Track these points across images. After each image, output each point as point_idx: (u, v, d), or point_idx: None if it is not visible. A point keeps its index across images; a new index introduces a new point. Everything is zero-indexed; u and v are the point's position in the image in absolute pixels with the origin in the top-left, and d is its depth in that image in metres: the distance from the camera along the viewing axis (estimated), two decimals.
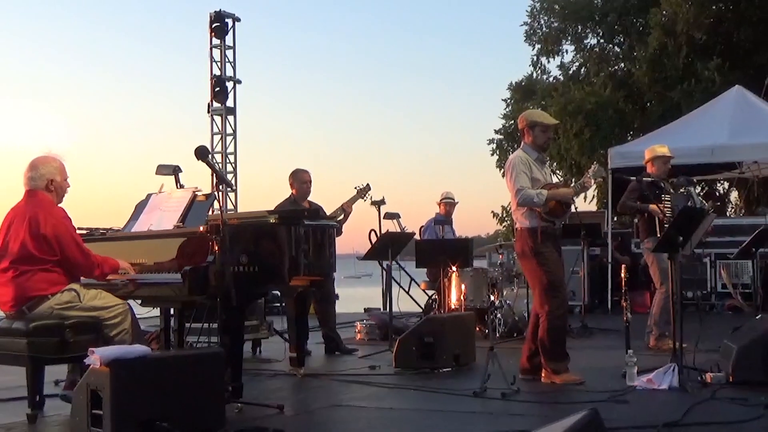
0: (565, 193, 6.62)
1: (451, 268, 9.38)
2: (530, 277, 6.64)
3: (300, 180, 8.73)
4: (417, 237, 10.70)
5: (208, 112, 14.99)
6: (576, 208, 7.06)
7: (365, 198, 9.28)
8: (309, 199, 8.78)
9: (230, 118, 15.09)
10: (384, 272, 9.58)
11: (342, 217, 8.93)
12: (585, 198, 21.61)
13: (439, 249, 9.63)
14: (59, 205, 5.61)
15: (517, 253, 6.71)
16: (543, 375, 6.38)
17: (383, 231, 9.60)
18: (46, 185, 5.54)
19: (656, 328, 8.11)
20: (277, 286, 6.78)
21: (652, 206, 8.07)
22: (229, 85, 14.95)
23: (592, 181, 6.87)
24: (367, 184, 9.23)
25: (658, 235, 7.97)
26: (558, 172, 21.14)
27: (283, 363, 7.44)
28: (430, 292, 10.82)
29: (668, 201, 8.15)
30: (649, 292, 12.39)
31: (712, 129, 13.16)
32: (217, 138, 15.08)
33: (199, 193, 6.14)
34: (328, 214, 8.79)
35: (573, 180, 7.71)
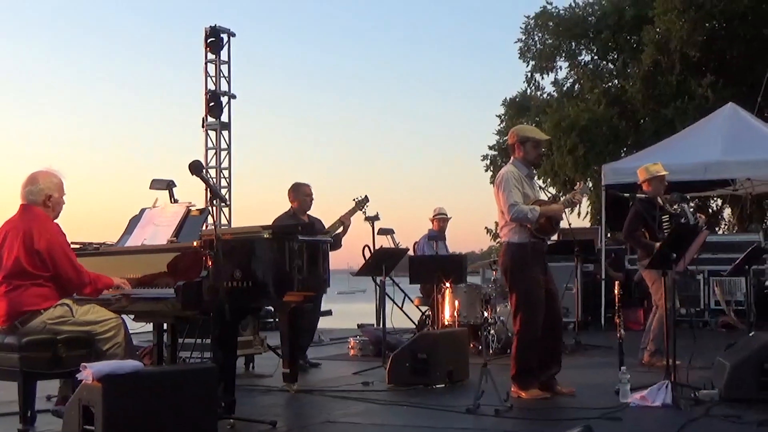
0: (556, 209, 6.67)
1: (444, 284, 9.38)
2: (509, 291, 6.71)
3: (303, 193, 8.77)
4: (411, 253, 10.70)
5: (203, 126, 14.99)
6: (570, 224, 7.08)
7: (364, 210, 9.24)
8: (308, 213, 8.79)
9: (225, 133, 15.09)
10: (377, 288, 9.57)
11: (341, 230, 8.90)
12: (579, 214, 21.70)
13: (432, 265, 9.62)
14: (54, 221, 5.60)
15: (501, 268, 6.76)
16: (512, 389, 6.40)
17: (377, 247, 9.60)
18: (43, 200, 5.52)
19: (652, 344, 8.10)
20: (270, 302, 6.78)
21: (658, 246, 7.98)
22: (224, 99, 14.96)
23: (581, 197, 6.92)
24: (365, 196, 9.18)
25: None
26: (551, 188, 21.20)
27: (276, 378, 7.43)
28: (423, 308, 10.81)
29: (667, 223, 8.12)
30: (643, 309, 12.42)
31: (705, 146, 13.20)
32: (211, 153, 15.07)
33: (193, 208, 6.14)
34: (326, 227, 8.79)
35: (562, 195, 7.73)
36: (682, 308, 11.98)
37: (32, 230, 5.37)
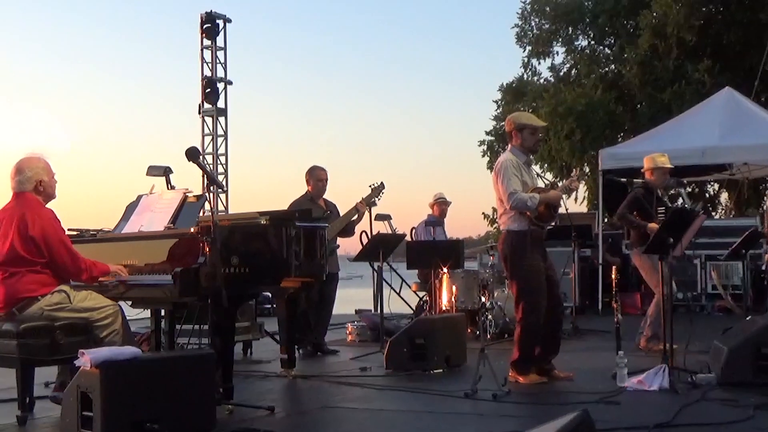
0: (555, 196, 6.66)
1: (442, 270, 9.38)
2: (510, 279, 6.74)
3: (316, 178, 8.75)
4: (408, 238, 10.70)
5: (199, 113, 14.96)
6: (567, 210, 7.08)
7: (380, 197, 9.05)
8: (324, 197, 8.78)
9: (221, 119, 15.07)
10: (375, 274, 9.57)
11: (355, 217, 8.87)
12: (576, 199, 21.70)
13: (430, 250, 9.62)
14: (48, 204, 5.59)
15: (501, 255, 6.76)
16: (510, 374, 6.42)
17: (374, 232, 9.59)
18: (35, 187, 5.51)
19: (650, 329, 8.11)
20: (268, 288, 6.78)
21: (651, 226, 7.98)
22: (220, 86, 14.93)
23: (578, 184, 6.91)
24: (381, 183, 8.95)
25: None
26: (548, 174, 21.20)
27: (273, 364, 7.44)
28: (421, 294, 10.82)
29: (662, 213, 8.12)
30: (640, 294, 12.45)
31: (702, 130, 13.20)
32: (208, 139, 15.05)
33: (189, 195, 6.13)
34: (342, 213, 8.78)
35: (559, 181, 7.72)
36: (679, 292, 12.02)
37: (26, 217, 5.36)
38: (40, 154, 5.66)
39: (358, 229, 8.99)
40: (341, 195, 9.57)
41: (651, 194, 8.22)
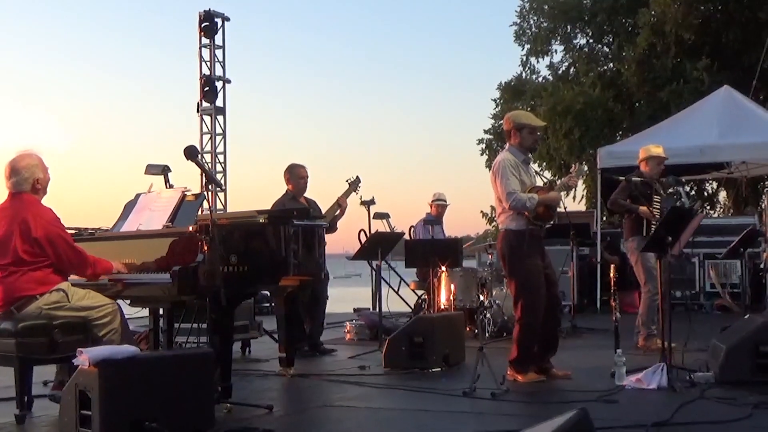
0: (554, 197, 6.66)
1: (440, 268, 9.38)
2: (508, 278, 6.73)
3: (297, 176, 8.62)
4: (407, 237, 10.70)
5: (198, 111, 14.97)
6: (565, 208, 7.08)
7: (357, 190, 9.14)
8: (305, 195, 8.71)
9: (220, 117, 15.08)
10: (373, 272, 9.57)
11: (338, 212, 8.85)
12: (574, 198, 21.70)
13: (428, 249, 9.62)
14: (44, 199, 5.57)
15: (499, 254, 6.77)
16: (508, 372, 6.42)
17: (373, 231, 9.59)
18: (32, 186, 5.49)
19: (643, 327, 8.13)
20: (266, 286, 6.78)
21: (642, 208, 8.06)
22: (219, 84, 14.94)
23: (577, 180, 6.94)
24: (357, 177, 9.06)
25: (644, 235, 8.01)
26: (547, 172, 21.20)
27: (272, 363, 7.43)
28: (419, 292, 10.83)
29: (657, 203, 8.15)
30: (638, 292, 12.41)
31: (700, 129, 13.20)
32: (206, 138, 15.06)
33: (188, 193, 6.12)
34: (324, 210, 8.73)
35: (558, 179, 7.73)
36: (677, 291, 12.02)
37: (27, 219, 5.35)
38: (31, 151, 5.62)
39: (341, 224, 8.97)
40: (338, 192, 9.51)
41: (648, 186, 8.22)
